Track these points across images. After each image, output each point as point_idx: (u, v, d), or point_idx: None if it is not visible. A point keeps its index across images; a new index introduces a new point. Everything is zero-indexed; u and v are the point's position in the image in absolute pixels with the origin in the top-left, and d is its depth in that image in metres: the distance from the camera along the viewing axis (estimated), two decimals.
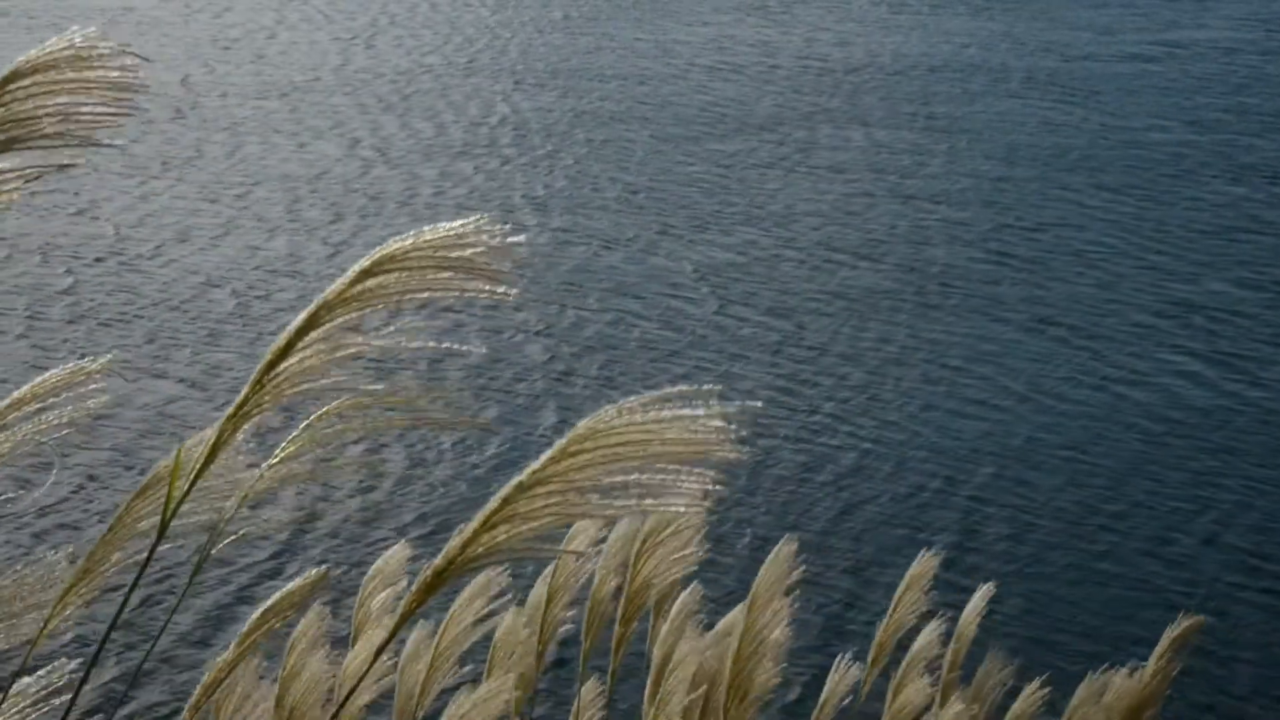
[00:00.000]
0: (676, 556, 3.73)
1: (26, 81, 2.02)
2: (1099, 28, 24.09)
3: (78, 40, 2.03)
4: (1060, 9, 25.36)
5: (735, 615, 3.92)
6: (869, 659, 4.18)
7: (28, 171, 2.02)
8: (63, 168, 2.03)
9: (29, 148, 2.03)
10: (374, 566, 3.78)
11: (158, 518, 2.44)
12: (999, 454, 11.00)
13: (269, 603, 2.74)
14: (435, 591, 1.75)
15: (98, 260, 14.23)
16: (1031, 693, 4.14)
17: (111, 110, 2.02)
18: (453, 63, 21.80)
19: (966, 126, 18.99)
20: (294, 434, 2.20)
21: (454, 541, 1.74)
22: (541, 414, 11.38)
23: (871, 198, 16.40)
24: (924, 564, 4.29)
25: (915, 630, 4.21)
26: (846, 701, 4.05)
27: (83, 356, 9.36)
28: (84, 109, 2.02)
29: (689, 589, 3.92)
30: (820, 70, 21.58)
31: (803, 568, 3.87)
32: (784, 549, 3.84)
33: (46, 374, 2.49)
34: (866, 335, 12.94)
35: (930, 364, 12.44)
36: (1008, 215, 15.95)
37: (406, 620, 1.77)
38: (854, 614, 9.02)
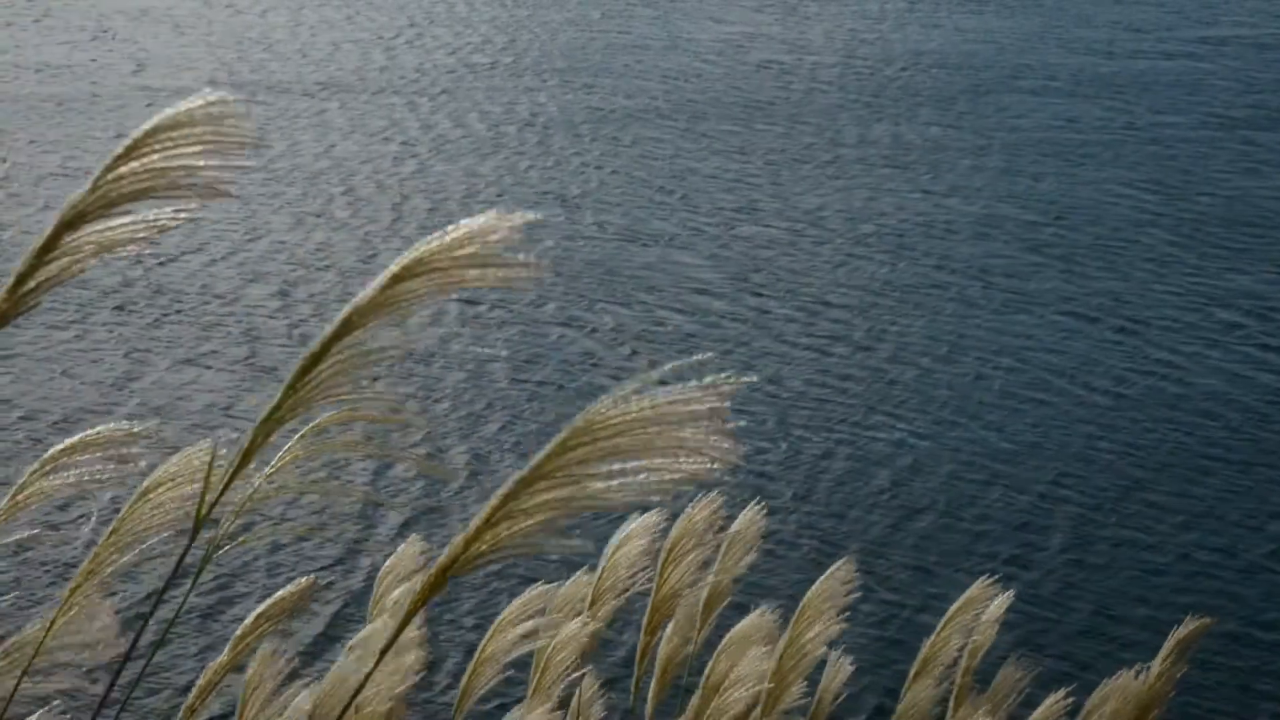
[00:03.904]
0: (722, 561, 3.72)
1: (162, 137, 2.21)
2: (1126, 25, 23.98)
3: (209, 100, 2.21)
4: (1087, 6, 25.26)
5: (752, 621, 3.91)
6: (911, 673, 4.16)
7: (158, 221, 2.21)
8: (190, 219, 2.21)
9: (158, 198, 2.21)
10: (387, 563, 3.83)
11: (160, 518, 2.54)
12: (1019, 452, 10.97)
13: (260, 609, 2.79)
14: (440, 589, 1.76)
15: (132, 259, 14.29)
16: (1054, 701, 4.12)
17: (232, 167, 2.19)
18: (477, 61, 21.83)
19: (994, 122, 18.95)
20: (289, 444, 2.26)
21: (458, 539, 1.75)
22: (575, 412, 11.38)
23: (900, 193, 16.37)
24: (982, 589, 4.22)
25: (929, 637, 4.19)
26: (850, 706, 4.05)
27: (124, 355, 9.33)
28: (208, 166, 2.20)
29: (759, 611, 3.94)
30: (844, 67, 21.55)
31: (854, 586, 3.88)
32: (840, 569, 3.87)
33: (95, 429, 2.63)
34: (892, 330, 12.93)
35: (947, 360, 12.41)
36: (1040, 210, 15.90)
37: (413, 616, 1.79)
38: (854, 618, 8.99)
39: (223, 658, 2.82)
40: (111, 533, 2.62)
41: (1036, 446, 11.02)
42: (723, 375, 1.73)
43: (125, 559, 2.65)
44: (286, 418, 2.05)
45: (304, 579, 2.93)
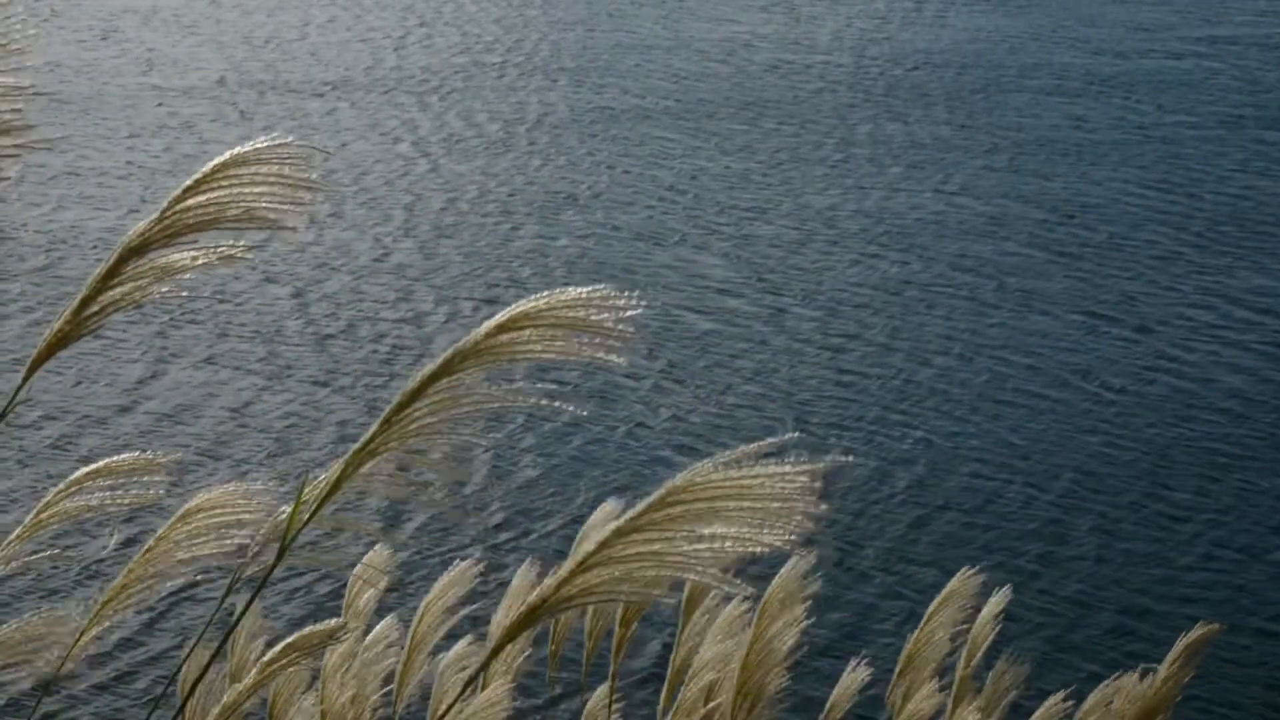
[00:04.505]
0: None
1: (230, 173, 2.31)
2: (1135, 24, 23.99)
3: (275, 141, 2.31)
4: (1096, 6, 25.28)
5: (717, 615, 3.93)
6: (896, 670, 4.17)
7: (220, 251, 2.31)
8: (250, 249, 2.31)
9: (222, 230, 2.32)
10: (356, 569, 3.89)
11: (198, 544, 2.58)
12: (1034, 451, 10.99)
13: (290, 640, 2.83)
14: (527, 628, 1.79)
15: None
16: (1052, 705, 4.12)
17: (291, 204, 2.30)
18: (487, 61, 21.84)
19: (1005, 122, 18.96)
20: (324, 476, 2.29)
21: (550, 580, 1.78)
22: (600, 413, 11.42)
23: (912, 192, 16.39)
24: (963, 581, 4.23)
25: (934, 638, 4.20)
26: (864, 712, 4.06)
27: (141, 356, 9.31)
28: (268, 202, 2.31)
29: (728, 598, 3.97)
30: (854, 67, 21.57)
31: (820, 576, 3.89)
32: (797, 565, 3.88)
33: (117, 457, 2.70)
34: (904, 329, 12.95)
35: (961, 359, 12.43)
36: (1052, 209, 15.92)
37: (498, 654, 1.80)
38: (873, 617, 9.02)
39: (248, 680, 2.85)
40: (147, 551, 2.67)
41: (1051, 445, 11.03)
42: (817, 457, 1.78)
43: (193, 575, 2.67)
44: (379, 450, 2.10)
45: (334, 620, 2.97)
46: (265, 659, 2.82)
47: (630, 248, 14.80)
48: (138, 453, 2.70)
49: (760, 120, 18.96)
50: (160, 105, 19.17)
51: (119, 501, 2.67)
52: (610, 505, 3.80)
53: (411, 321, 13.03)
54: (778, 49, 22.39)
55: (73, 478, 2.67)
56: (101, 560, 9.22)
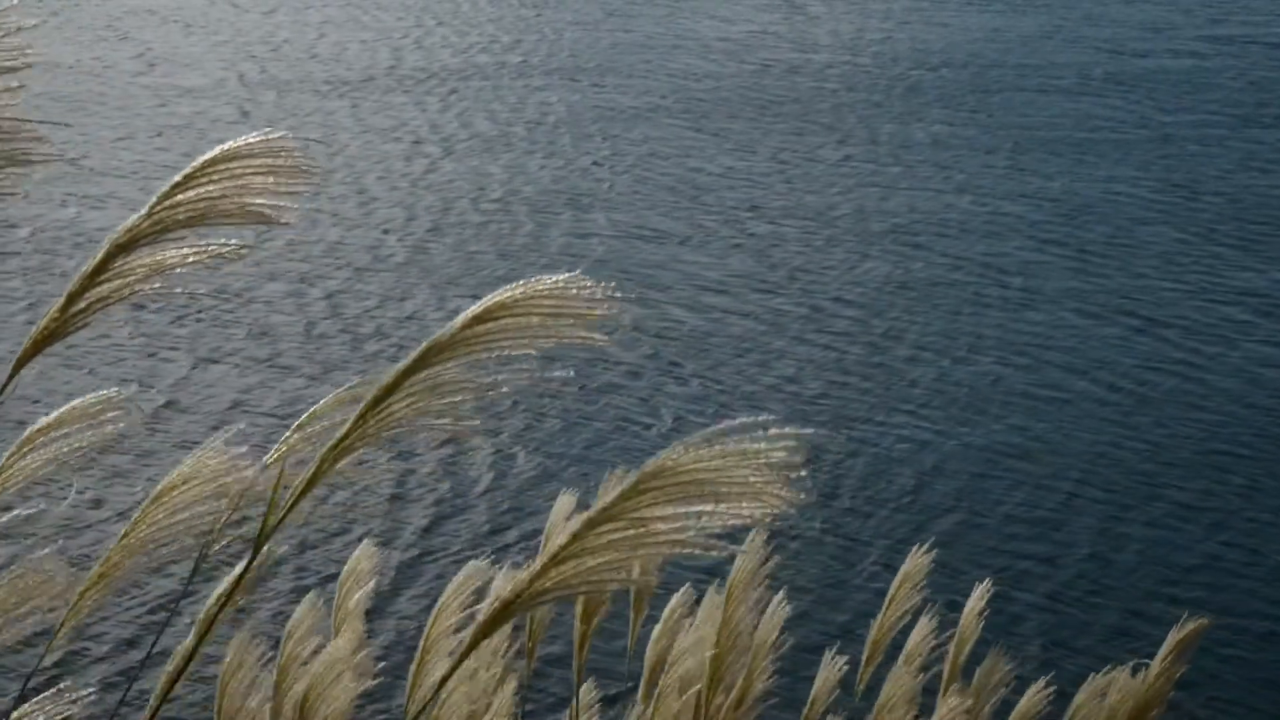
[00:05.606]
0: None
1: (220, 167, 2.26)
2: (1136, 23, 23.98)
3: (268, 136, 2.27)
4: (1096, 4, 25.27)
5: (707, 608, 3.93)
6: (864, 657, 4.18)
7: (210, 248, 2.26)
8: (243, 246, 2.25)
9: (211, 226, 2.27)
10: (346, 567, 3.86)
11: (174, 526, 2.52)
12: (1036, 450, 10.99)
13: (220, 588, 2.70)
14: (502, 623, 1.77)
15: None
16: (1035, 692, 4.13)
17: (283, 197, 2.25)
18: (487, 61, 21.83)
19: (1006, 120, 18.94)
20: (286, 435, 2.26)
21: (523, 575, 1.77)
22: (617, 411, 11.43)
23: (912, 191, 16.38)
24: (916, 561, 4.25)
25: (912, 627, 4.21)
26: (838, 699, 4.07)
27: (144, 353, 9.30)
28: (260, 196, 2.25)
29: (682, 590, 3.96)
30: (854, 66, 21.55)
31: (778, 559, 3.90)
32: (755, 539, 3.87)
33: (72, 403, 2.59)
34: (906, 329, 12.96)
35: (963, 359, 12.43)
36: (1053, 208, 15.91)
37: (473, 650, 1.80)
38: (856, 611, 9.04)
39: (188, 642, 2.66)
40: (124, 536, 2.59)
41: (1052, 444, 11.03)
42: (790, 430, 1.76)
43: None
44: (355, 446, 2.08)
45: (251, 563, 2.86)
46: (201, 615, 2.66)
47: (646, 246, 14.80)
48: (97, 394, 2.57)
49: (760, 119, 18.94)
50: (163, 106, 19.17)
51: (88, 445, 2.54)
52: (566, 498, 3.78)
53: (427, 318, 13.04)
54: (793, 49, 22.36)
55: (26, 434, 2.54)
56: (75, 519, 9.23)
